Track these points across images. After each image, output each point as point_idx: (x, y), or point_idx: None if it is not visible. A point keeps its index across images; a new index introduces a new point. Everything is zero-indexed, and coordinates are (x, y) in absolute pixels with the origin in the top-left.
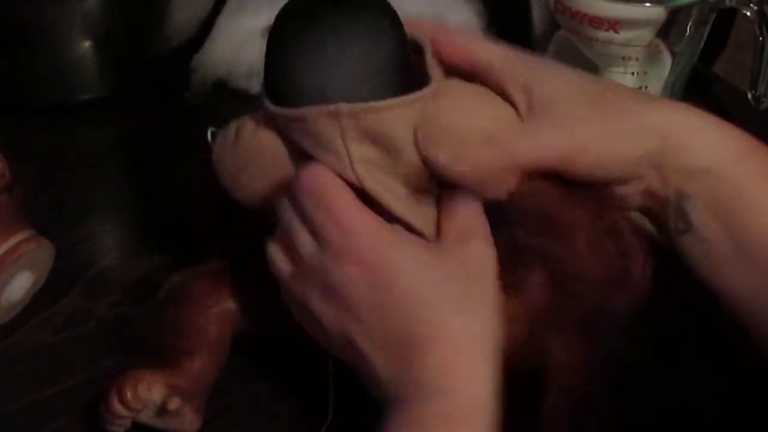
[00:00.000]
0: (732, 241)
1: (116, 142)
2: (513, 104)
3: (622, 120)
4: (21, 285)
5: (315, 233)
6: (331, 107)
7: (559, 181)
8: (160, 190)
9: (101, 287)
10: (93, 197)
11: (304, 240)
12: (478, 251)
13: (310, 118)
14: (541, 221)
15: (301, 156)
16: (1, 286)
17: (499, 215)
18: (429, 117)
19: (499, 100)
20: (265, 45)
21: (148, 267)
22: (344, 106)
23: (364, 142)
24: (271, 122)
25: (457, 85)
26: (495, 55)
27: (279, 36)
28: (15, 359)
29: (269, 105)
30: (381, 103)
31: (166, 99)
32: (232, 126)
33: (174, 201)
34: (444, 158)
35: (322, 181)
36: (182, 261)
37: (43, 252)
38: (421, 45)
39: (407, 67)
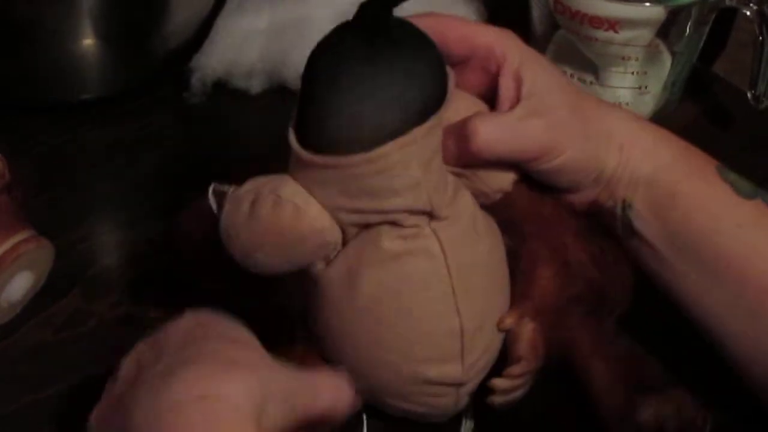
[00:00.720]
0: (670, 241)
1: (116, 142)
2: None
3: (594, 130)
4: (21, 285)
5: None
6: (408, 136)
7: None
8: (159, 190)
9: (101, 287)
10: (93, 197)
11: None
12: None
13: (389, 152)
14: (532, 223)
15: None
16: (1, 286)
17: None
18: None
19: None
20: (264, 46)
21: (148, 267)
22: (418, 131)
23: (423, 164)
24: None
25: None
26: (493, 38)
27: (317, 76)
28: (15, 359)
29: (328, 158)
30: (432, 121)
31: (166, 99)
32: (245, 197)
33: (174, 201)
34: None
35: None
36: (182, 261)
37: (43, 252)
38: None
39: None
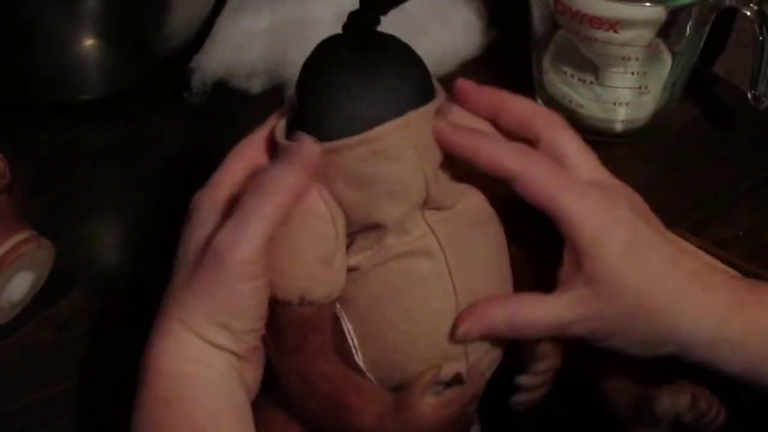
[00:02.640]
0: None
1: (116, 142)
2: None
3: (648, 336)
4: (21, 285)
5: None
6: (402, 118)
7: None
8: (160, 190)
9: (101, 287)
10: (93, 197)
11: None
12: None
13: (386, 134)
14: None
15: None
16: (1, 286)
17: None
18: None
19: None
20: (264, 46)
21: (148, 267)
22: (414, 113)
23: (427, 147)
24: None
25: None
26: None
27: (310, 82)
28: (15, 359)
29: (332, 143)
30: (430, 105)
31: (166, 99)
32: None
33: (174, 201)
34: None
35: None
36: None
37: (43, 252)
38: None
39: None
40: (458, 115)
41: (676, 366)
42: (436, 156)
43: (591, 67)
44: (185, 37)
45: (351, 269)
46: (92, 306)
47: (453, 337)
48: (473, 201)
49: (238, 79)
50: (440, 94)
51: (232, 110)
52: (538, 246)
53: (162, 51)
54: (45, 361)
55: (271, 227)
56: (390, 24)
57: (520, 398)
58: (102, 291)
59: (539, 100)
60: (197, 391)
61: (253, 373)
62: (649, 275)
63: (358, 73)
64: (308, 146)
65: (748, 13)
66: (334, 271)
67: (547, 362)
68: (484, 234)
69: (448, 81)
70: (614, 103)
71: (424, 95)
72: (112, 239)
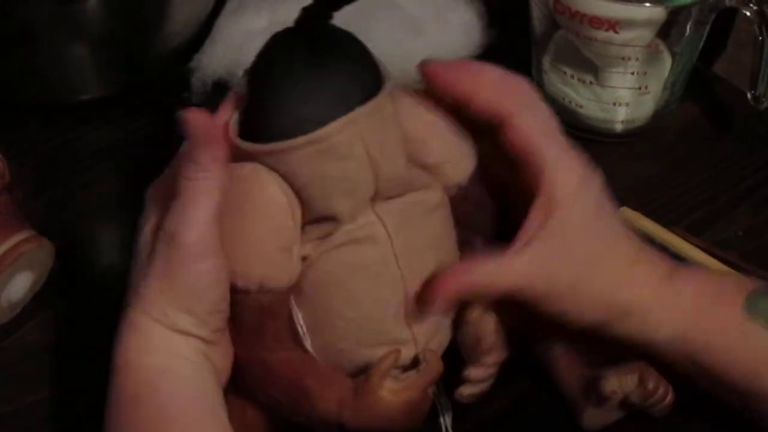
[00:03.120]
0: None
1: (116, 142)
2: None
3: (604, 302)
4: (21, 285)
5: None
6: (349, 116)
7: None
8: None
9: (101, 287)
10: (93, 197)
11: None
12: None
13: (332, 133)
14: None
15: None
16: (1, 286)
17: None
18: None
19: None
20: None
21: None
22: (361, 109)
23: (377, 143)
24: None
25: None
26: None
27: (262, 78)
28: (15, 359)
29: (280, 144)
30: (379, 98)
31: (166, 99)
32: None
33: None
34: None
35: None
36: None
37: (43, 252)
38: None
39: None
40: (411, 104)
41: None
42: (391, 144)
43: (591, 68)
44: (185, 37)
45: (302, 258)
46: (92, 306)
47: (406, 316)
48: (426, 190)
49: (238, 79)
50: (388, 83)
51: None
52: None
53: (162, 51)
54: (45, 361)
55: (213, 203)
56: (390, 24)
57: (465, 391)
58: (102, 291)
59: None
60: (165, 382)
61: (223, 357)
62: (607, 240)
63: (307, 74)
64: (211, 129)
65: (748, 14)
66: (293, 260)
67: (494, 355)
68: (434, 222)
69: None
70: (614, 104)
71: (373, 89)
72: (112, 239)
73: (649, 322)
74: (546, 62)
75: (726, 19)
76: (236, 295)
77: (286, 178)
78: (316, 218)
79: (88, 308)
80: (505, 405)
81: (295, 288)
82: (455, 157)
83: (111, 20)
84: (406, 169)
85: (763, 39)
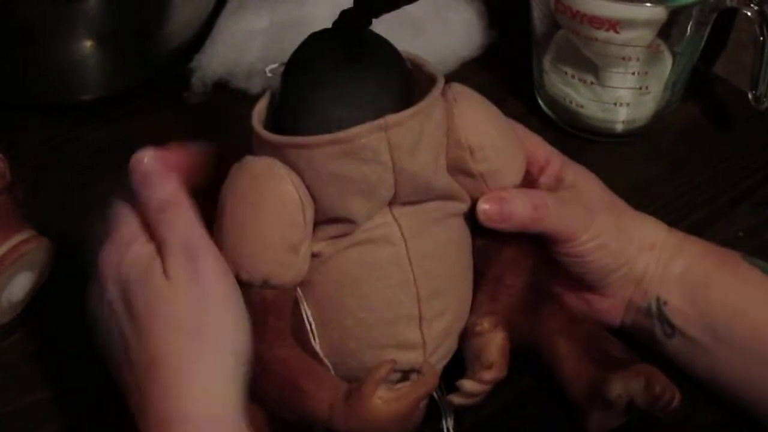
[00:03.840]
0: (710, 330)
1: (116, 142)
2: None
3: (627, 226)
4: (21, 285)
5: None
6: (377, 122)
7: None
8: None
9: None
10: (93, 197)
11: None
12: (207, 271)
13: (357, 136)
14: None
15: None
16: (1, 286)
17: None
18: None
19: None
20: (264, 46)
21: None
22: (390, 118)
23: (405, 151)
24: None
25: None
26: (539, 144)
27: (300, 76)
28: (15, 359)
29: (304, 138)
30: (413, 109)
31: (166, 99)
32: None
33: None
34: (486, 208)
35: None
36: None
37: (43, 252)
38: (417, 59)
39: (413, 84)
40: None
41: (633, 349)
42: (426, 152)
43: (591, 68)
44: (185, 37)
45: (313, 255)
46: (92, 306)
47: (481, 216)
48: (453, 201)
49: (238, 79)
50: (433, 92)
51: (232, 110)
52: (501, 239)
53: (162, 51)
54: (45, 362)
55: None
56: (391, 24)
57: (456, 399)
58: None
59: (540, 100)
60: None
61: None
62: (622, 205)
63: (340, 75)
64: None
65: (749, 14)
66: (300, 258)
67: (493, 372)
68: (450, 229)
69: (448, 81)
70: (615, 104)
71: (405, 99)
72: None
73: (665, 256)
74: (547, 62)
75: (726, 19)
76: (240, 287)
77: (304, 175)
78: (331, 219)
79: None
80: (505, 405)
81: (307, 285)
82: (505, 166)
83: (111, 20)
84: (441, 176)
85: (763, 39)
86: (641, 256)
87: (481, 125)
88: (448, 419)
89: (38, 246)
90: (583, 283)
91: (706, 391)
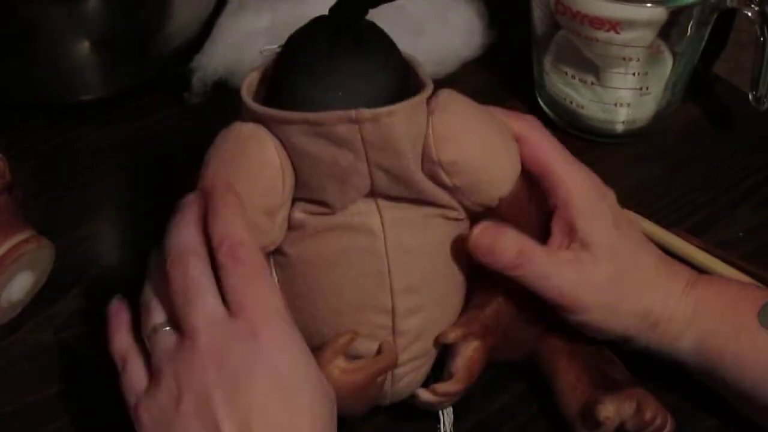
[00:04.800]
0: (725, 387)
1: (116, 142)
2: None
3: (626, 309)
4: (21, 285)
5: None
6: (352, 111)
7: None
8: (160, 190)
9: (101, 287)
10: (93, 197)
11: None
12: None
13: (329, 121)
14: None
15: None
16: (1, 286)
17: None
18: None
19: (496, 119)
20: (262, 46)
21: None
22: (365, 111)
23: (377, 147)
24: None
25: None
26: (566, 177)
27: (292, 56)
28: (15, 359)
29: (277, 111)
30: (388, 108)
31: (166, 99)
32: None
33: (174, 201)
34: (478, 235)
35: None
36: None
37: (43, 252)
38: (413, 62)
39: (404, 83)
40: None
41: (632, 371)
42: (403, 152)
43: (592, 68)
44: (185, 37)
45: (294, 226)
46: (92, 306)
47: (470, 244)
48: (443, 208)
49: (238, 79)
50: (419, 96)
51: (232, 110)
52: None
53: (162, 51)
54: (45, 361)
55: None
56: (391, 24)
57: (416, 403)
58: (102, 291)
59: (540, 101)
60: None
61: None
62: (632, 247)
63: (327, 61)
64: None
65: (749, 14)
66: (275, 225)
67: (451, 385)
68: (435, 230)
69: (448, 81)
70: (615, 104)
71: (394, 96)
72: (112, 239)
73: (672, 332)
74: (547, 63)
75: (727, 19)
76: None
77: (285, 147)
78: (311, 198)
79: (88, 308)
80: (505, 405)
81: (282, 254)
82: (484, 181)
83: (111, 20)
84: (423, 178)
85: (764, 39)
86: (644, 334)
87: (456, 140)
88: (446, 420)
89: (38, 246)
90: None
91: (704, 396)
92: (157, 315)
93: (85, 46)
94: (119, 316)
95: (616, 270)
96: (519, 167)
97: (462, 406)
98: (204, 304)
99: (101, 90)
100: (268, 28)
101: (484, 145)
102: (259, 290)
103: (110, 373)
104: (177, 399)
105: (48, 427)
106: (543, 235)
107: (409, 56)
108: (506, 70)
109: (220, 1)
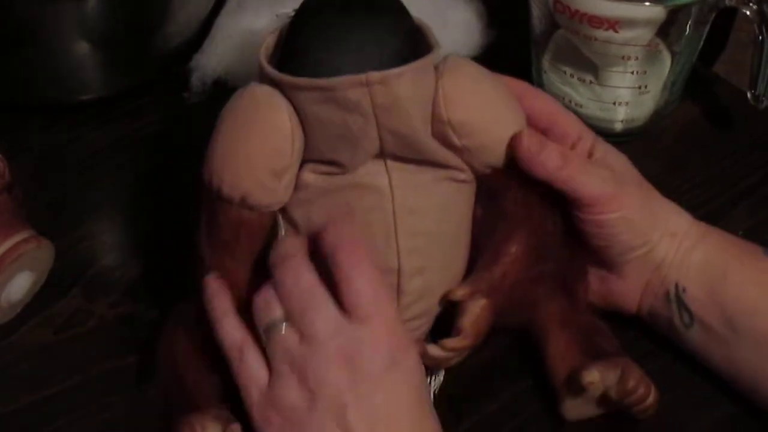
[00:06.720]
0: (727, 321)
1: (116, 142)
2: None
3: (653, 208)
4: (21, 285)
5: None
6: (362, 75)
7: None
8: (160, 190)
9: (101, 287)
10: (93, 197)
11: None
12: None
13: (340, 86)
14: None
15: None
16: (1, 286)
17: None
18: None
19: (500, 81)
20: (263, 46)
21: (148, 267)
22: (375, 74)
23: (386, 109)
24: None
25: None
26: (572, 120)
27: (304, 20)
28: (15, 359)
29: (288, 77)
30: (399, 69)
31: (166, 99)
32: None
33: (174, 201)
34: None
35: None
36: (181, 261)
37: (43, 252)
38: (423, 26)
39: (414, 47)
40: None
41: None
42: (412, 114)
43: (591, 67)
44: (185, 37)
45: (302, 186)
46: (92, 306)
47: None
48: (452, 169)
49: (238, 79)
50: (426, 58)
51: None
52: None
53: (162, 51)
54: (45, 361)
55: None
56: None
57: (431, 352)
58: (102, 291)
59: None
60: None
61: None
62: (649, 187)
63: (339, 25)
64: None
65: (748, 13)
66: (282, 186)
67: (459, 341)
68: (443, 193)
69: None
70: (614, 103)
71: (404, 59)
72: (112, 239)
73: (686, 245)
74: (546, 62)
75: (726, 18)
76: (220, 203)
77: (297, 111)
78: (322, 159)
79: (88, 308)
80: (505, 405)
81: (289, 212)
82: (494, 141)
83: (111, 20)
84: (432, 140)
85: (762, 39)
86: (663, 241)
87: (464, 101)
88: (434, 383)
89: (38, 246)
90: (602, 258)
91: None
92: (275, 309)
93: (84, 46)
94: (220, 297)
95: (640, 181)
96: (525, 127)
97: (462, 406)
98: (326, 310)
99: (101, 90)
100: (267, 28)
101: (492, 105)
102: (382, 297)
103: (110, 373)
104: (310, 400)
105: (48, 427)
106: (556, 238)
107: (420, 21)
108: (505, 69)
109: (219, 1)
